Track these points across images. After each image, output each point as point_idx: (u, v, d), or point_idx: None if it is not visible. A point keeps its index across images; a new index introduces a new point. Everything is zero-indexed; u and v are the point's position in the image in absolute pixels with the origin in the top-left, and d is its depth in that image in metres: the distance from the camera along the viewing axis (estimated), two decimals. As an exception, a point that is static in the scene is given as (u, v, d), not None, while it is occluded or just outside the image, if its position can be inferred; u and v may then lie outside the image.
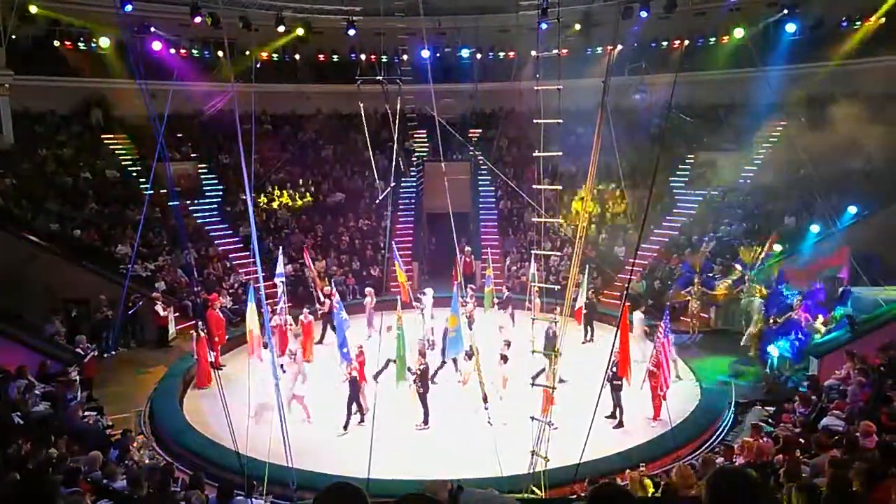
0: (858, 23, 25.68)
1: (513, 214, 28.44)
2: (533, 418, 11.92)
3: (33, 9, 24.09)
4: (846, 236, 20.48)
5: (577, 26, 27.94)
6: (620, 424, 15.23)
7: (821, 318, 17.66)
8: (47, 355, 16.21)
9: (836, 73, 25.03)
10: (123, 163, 26.24)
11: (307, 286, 23.70)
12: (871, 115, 21.50)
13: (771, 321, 18.28)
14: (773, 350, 17.35)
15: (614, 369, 14.75)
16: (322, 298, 21.05)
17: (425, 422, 15.24)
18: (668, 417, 14.76)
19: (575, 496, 11.15)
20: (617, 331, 13.69)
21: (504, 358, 15.74)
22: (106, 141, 26.80)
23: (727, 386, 16.75)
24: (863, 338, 15.88)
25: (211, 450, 14.09)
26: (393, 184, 19.70)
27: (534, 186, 16.15)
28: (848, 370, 14.04)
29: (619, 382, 15.12)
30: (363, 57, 29.95)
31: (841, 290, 18.69)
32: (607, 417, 15.18)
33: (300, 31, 28.59)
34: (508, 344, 16.29)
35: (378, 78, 22.40)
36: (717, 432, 14.94)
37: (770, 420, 13.93)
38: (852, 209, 21.16)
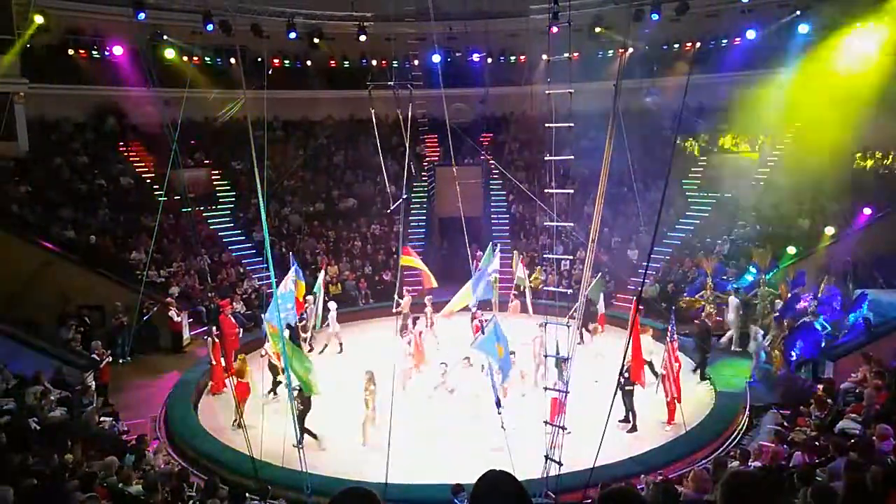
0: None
1: (525, 218, 28.40)
2: (546, 423, 11.89)
3: (39, 18, 24.35)
4: (861, 238, 20.36)
5: (598, 29, 27.95)
6: (634, 429, 15.16)
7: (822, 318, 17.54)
8: (63, 361, 16.33)
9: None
10: (137, 170, 26.42)
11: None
12: (885, 116, 21.34)
13: (786, 324, 18.15)
14: (791, 354, 17.24)
15: (626, 374, 14.68)
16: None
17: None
18: (682, 421, 14.70)
19: (589, 501, 11.13)
20: (629, 335, 13.63)
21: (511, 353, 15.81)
22: (120, 148, 27.01)
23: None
24: (879, 340, 15.78)
25: (225, 455, 14.13)
26: (405, 196, 19.72)
27: (546, 190, 16.13)
28: (864, 373, 13.95)
29: (631, 388, 15.03)
30: (374, 62, 30.12)
31: (857, 293, 18.56)
32: (621, 422, 15.10)
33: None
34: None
35: (389, 83, 22.45)
36: (733, 436, 14.85)
37: (786, 423, 13.84)
38: (867, 211, 21.02)
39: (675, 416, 15.04)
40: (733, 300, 19.44)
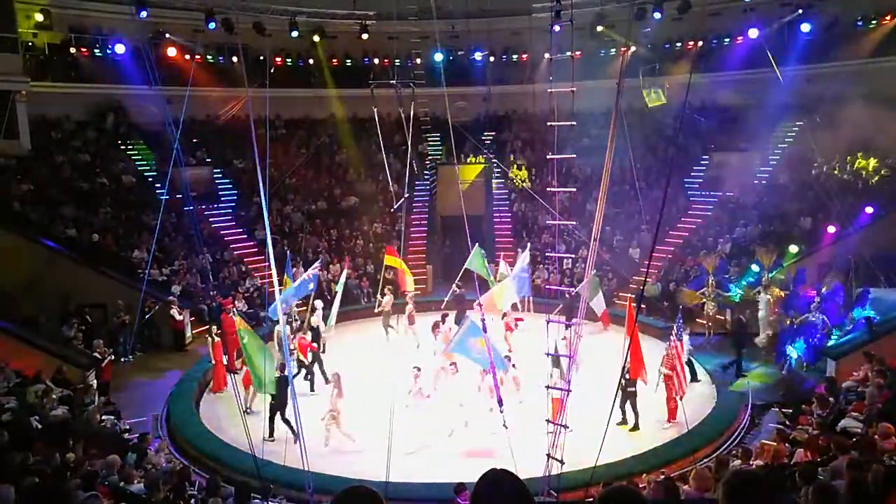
0: (874, 22, 25.51)
1: (527, 217, 28.37)
2: (548, 421, 11.89)
3: (39, 17, 24.38)
4: (863, 237, 20.34)
5: (600, 28, 27.88)
6: (636, 427, 15.12)
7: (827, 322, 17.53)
8: (64, 360, 16.34)
9: (852, 73, 24.84)
10: (139, 168, 26.43)
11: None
12: (887, 115, 21.32)
13: (788, 322, 18.15)
14: (791, 352, 17.23)
15: (627, 376, 14.62)
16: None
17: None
18: (684, 420, 14.67)
19: (591, 499, 11.12)
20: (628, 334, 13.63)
21: (507, 358, 15.72)
22: (122, 146, 27.01)
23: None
24: (881, 339, 15.76)
25: (227, 453, 14.14)
26: (407, 195, 19.71)
27: (548, 189, 16.17)
28: (866, 372, 13.94)
29: (634, 389, 14.96)
30: (376, 61, 30.11)
31: (859, 291, 18.54)
32: (619, 424, 14.92)
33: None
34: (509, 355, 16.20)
35: (391, 82, 22.45)
36: (734, 434, 14.84)
37: (787, 422, 13.83)
38: (869, 209, 21.00)
39: (677, 414, 15.01)
40: (764, 297, 19.36)
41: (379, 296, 20.77)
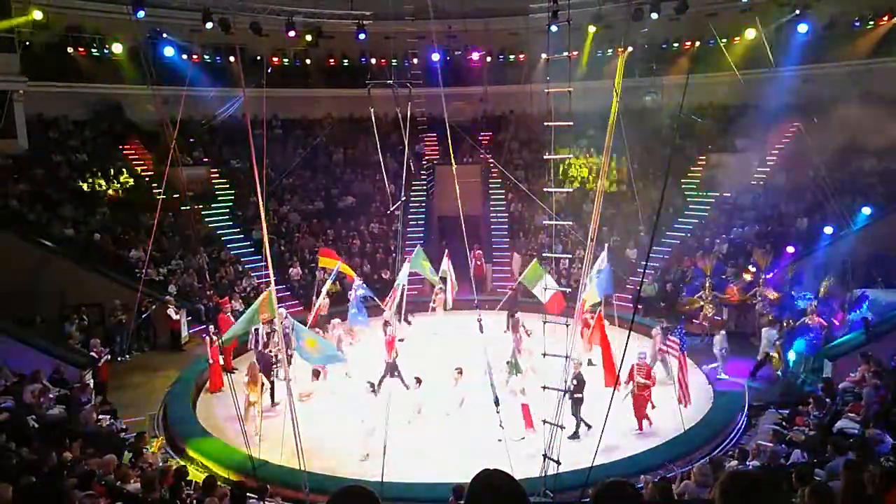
0: (871, 23, 25.56)
1: (524, 217, 28.36)
2: (545, 421, 11.90)
3: (38, 14, 24.33)
4: (860, 238, 20.37)
5: (592, 28, 27.81)
6: (576, 436, 14.61)
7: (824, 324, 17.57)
8: (62, 359, 16.32)
9: (849, 74, 24.88)
10: (136, 168, 26.39)
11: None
12: (885, 116, 21.36)
13: (784, 324, 18.16)
14: (791, 354, 17.25)
15: (575, 382, 14.21)
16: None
17: None
18: (681, 421, 14.68)
19: (587, 500, 11.14)
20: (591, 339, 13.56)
21: (459, 371, 15.42)
22: (119, 146, 26.95)
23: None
24: (878, 340, 15.79)
25: (223, 452, 14.13)
26: (404, 197, 19.64)
27: (545, 189, 16.15)
28: (863, 373, 13.97)
29: (581, 395, 14.55)
30: (373, 61, 30.11)
31: (857, 293, 18.56)
32: (570, 438, 14.34)
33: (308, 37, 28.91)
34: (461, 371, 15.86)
35: (388, 82, 22.43)
36: (731, 435, 14.86)
37: (784, 423, 13.85)
38: (866, 210, 21.03)
39: (648, 422, 15.12)
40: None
41: (314, 297, 20.28)
